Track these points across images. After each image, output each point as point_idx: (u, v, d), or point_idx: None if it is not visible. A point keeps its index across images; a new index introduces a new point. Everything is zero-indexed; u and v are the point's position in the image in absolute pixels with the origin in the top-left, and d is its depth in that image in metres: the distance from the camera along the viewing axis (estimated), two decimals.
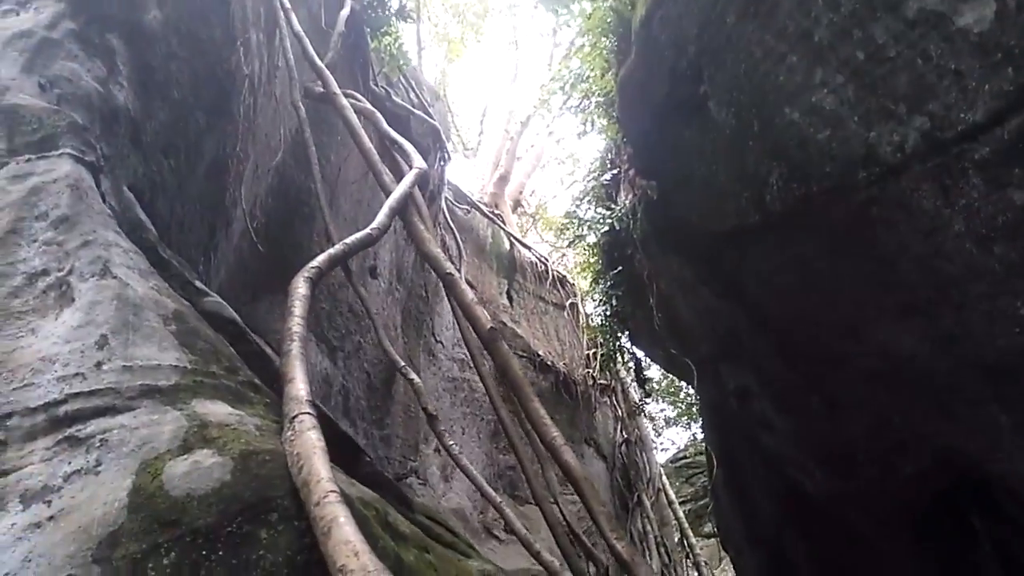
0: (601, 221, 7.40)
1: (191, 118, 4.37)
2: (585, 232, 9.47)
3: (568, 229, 10.70)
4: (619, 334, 11.67)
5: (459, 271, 11.99)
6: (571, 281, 19.86)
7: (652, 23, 4.48)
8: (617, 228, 6.96)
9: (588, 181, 9.06)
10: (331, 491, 1.98)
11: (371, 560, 1.71)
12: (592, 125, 9.47)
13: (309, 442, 2.19)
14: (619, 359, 15.64)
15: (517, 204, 25.42)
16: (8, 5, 3.32)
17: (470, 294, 4.32)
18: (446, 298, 16.13)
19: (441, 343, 13.67)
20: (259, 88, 5.77)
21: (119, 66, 3.55)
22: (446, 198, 14.77)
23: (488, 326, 4.16)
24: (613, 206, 7.37)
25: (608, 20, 5.83)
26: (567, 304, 19.38)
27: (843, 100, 3.27)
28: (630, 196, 6.55)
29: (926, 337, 3.63)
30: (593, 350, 18.19)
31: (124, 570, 1.92)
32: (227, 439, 2.23)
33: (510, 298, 17.62)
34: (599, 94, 7.69)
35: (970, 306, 3.27)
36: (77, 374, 2.30)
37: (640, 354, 12.99)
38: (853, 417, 4.78)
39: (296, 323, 2.91)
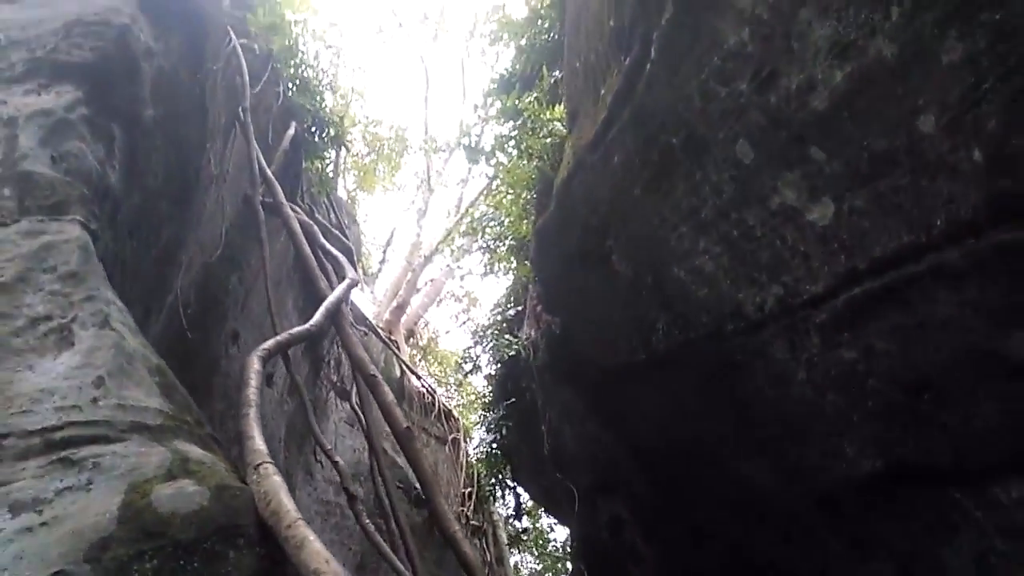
0: (508, 346, 8.06)
1: (158, 206, 4.81)
2: (486, 362, 10.08)
3: (468, 359, 11.30)
4: (503, 467, 12.08)
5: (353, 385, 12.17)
6: (456, 417, 20.12)
7: (572, 183, 5.34)
8: (521, 355, 7.61)
9: (495, 314, 9.79)
10: (299, 519, 2.39)
11: (340, 568, 2.13)
12: (499, 266, 10.34)
13: (275, 483, 2.60)
14: (498, 495, 15.88)
15: (411, 334, 25.81)
16: (30, 85, 3.78)
17: (391, 395, 4.80)
18: (331, 418, 16.03)
19: (320, 463, 13.58)
20: (210, 188, 6.26)
21: (116, 151, 4.02)
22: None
23: (404, 425, 4.63)
24: (518, 335, 8.07)
25: (532, 176, 6.74)
26: (450, 439, 19.54)
27: (719, 266, 4.12)
28: (534, 329, 7.26)
29: (774, 469, 4.36)
30: (470, 489, 18.32)
31: (113, 570, 2.24)
32: (204, 473, 2.61)
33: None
34: (513, 238, 8.55)
35: (808, 443, 4.03)
36: (75, 406, 2.65)
37: (520, 491, 13.36)
38: (711, 545, 5.40)
39: (252, 391, 3.33)
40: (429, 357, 26.03)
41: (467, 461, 18.63)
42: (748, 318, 4.05)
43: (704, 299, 4.34)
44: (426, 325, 27.82)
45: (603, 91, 4.83)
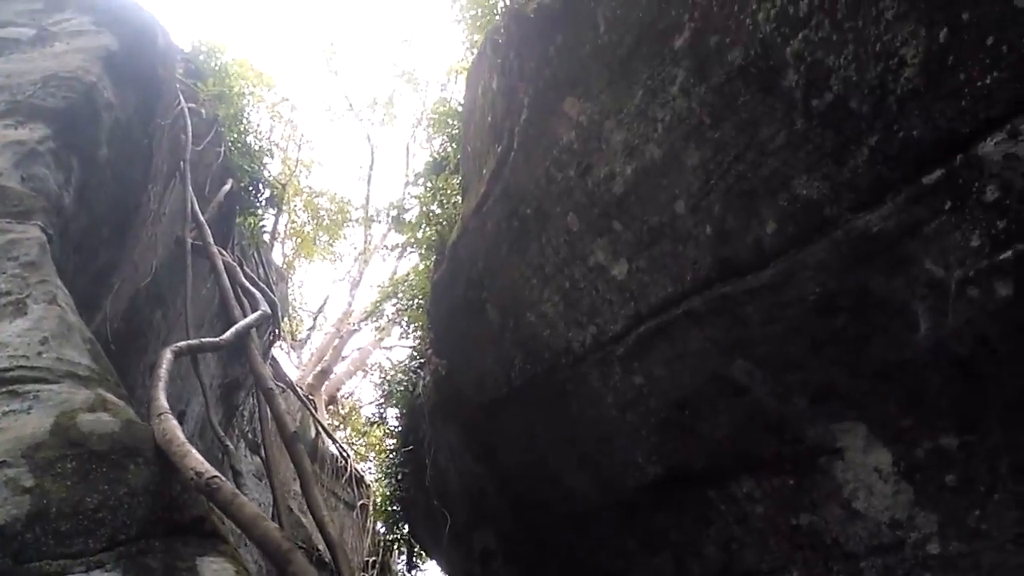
0: (400, 382, 8.94)
1: (99, 230, 5.68)
2: (393, 416, 10.88)
3: (377, 414, 12.11)
4: (400, 522, 12.70)
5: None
6: (367, 484, 20.34)
7: (459, 244, 6.42)
8: (418, 402, 8.48)
9: (401, 368, 10.70)
10: (186, 442, 3.27)
11: (213, 468, 3.01)
12: (412, 324, 11.28)
13: (173, 424, 3.48)
14: (396, 552, 16.26)
15: (332, 400, 26.01)
16: (9, 121, 4.70)
17: (283, 406, 5.63)
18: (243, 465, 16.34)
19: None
20: (145, 224, 7.14)
21: (72, 180, 4.93)
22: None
23: (291, 431, 5.47)
24: (416, 382, 8.99)
25: (434, 240, 7.83)
26: (359, 504, 19.73)
27: (558, 311, 5.19)
28: (428, 374, 8.19)
29: (591, 480, 5.34)
30: (374, 558, 18.55)
31: (42, 464, 3.07)
32: (118, 411, 3.47)
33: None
34: (421, 298, 9.58)
35: (615, 455, 5.03)
36: (24, 356, 3.50)
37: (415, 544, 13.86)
38: (553, 559, 6.28)
39: (162, 372, 4.21)
40: (348, 427, 26.13)
41: (374, 529, 18.85)
42: (575, 353, 5.10)
43: (547, 338, 5.39)
44: (349, 396, 28.04)
45: (484, 171, 5.97)
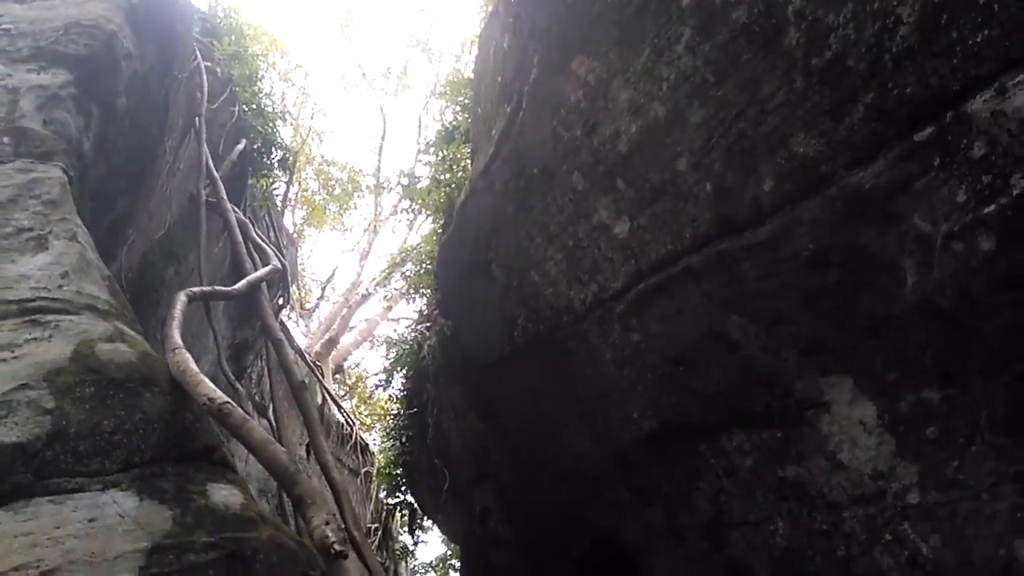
0: (405, 342, 9.10)
1: (116, 179, 5.82)
2: (398, 384, 11.09)
3: (383, 378, 12.30)
4: (402, 485, 12.93)
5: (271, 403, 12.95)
6: (372, 452, 20.65)
7: (467, 205, 6.53)
8: (423, 363, 8.65)
9: (407, 332, 10.88)
10: (199, 373, 3.42)
11: (223, 394, 3.16)
12: (420, 289, 11.44)
13: (186, 357, 3.64)
14: (399, 518, 16.57)
15: (339, 370, 26.26)
16: (32, 66, 4.83)
17: (292, 355, 5.79)
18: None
19: None
20: (160, 177, 7.28)
21: (92, 126, 5.06)
22: None
23: (299, 379, 5.63)
24: (422, 340, 9.16)
25: (442, 202, 7.95)
26: (363, 472, 20.06)
27: (560, 270, 5.31)
28: (434, 335, 8.35)
29: (590, 435, 5.49)
30: (376, 524, 18.89)
31: (62, 388, 3.23)
32: (136, 342, 3.62)
33: (308, 452, 18.26)
34: (428, 261, 9.72)
35: (612, 411, 5.18)
36: (45, 287, 3.65)
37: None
38: (551, 514, 6.46)
39: (177, 312, 4.37)
40: (355, 397, 26.40)
41: (377, 495, 19.17)
42: (576, 311, 5.23)
43: (549, 297, 5.52)
44: (356, 365, 28.28)
45: (493, 132, 6.06)
